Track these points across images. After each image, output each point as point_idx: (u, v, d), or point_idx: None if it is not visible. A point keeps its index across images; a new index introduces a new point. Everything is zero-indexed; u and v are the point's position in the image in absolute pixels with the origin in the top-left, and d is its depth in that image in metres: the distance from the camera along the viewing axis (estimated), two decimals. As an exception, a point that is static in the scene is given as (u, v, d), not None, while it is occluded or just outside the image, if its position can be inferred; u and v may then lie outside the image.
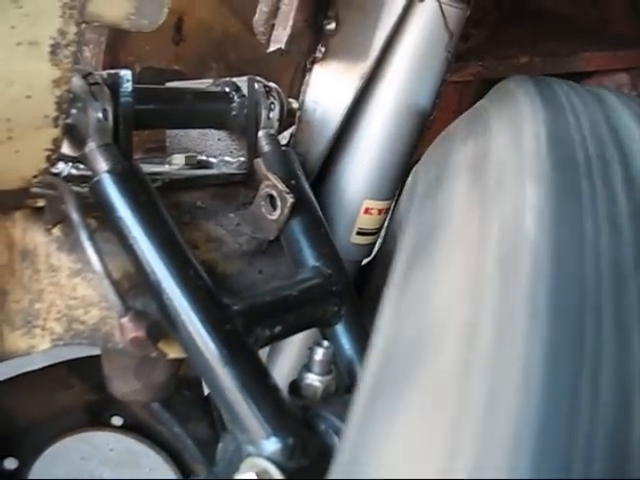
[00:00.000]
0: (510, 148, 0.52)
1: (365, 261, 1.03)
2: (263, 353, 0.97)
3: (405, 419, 0.40)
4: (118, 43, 1.20)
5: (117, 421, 1.07)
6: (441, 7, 0.83)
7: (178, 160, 0.86)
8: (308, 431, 0.66)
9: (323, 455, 0.64)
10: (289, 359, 0.97)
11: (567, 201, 0.45)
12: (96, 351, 0.87)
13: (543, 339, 0.37)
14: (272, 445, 0.63)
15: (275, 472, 0.61)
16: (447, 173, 0.60)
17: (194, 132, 0.91)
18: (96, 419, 1.06)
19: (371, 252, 0.99)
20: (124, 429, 1.08)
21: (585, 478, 0.32)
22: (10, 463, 0.95)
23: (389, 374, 0.45)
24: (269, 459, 0.62)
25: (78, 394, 1.03)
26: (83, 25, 0.59)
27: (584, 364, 0.36)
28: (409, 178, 0.85)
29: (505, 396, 0.35)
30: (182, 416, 1.05)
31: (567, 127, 0.52)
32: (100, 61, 1.18)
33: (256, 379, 0.65)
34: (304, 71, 0.92)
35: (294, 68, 1.29)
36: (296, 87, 0.99)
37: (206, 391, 1.07)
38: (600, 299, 0.40)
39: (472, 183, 0.54)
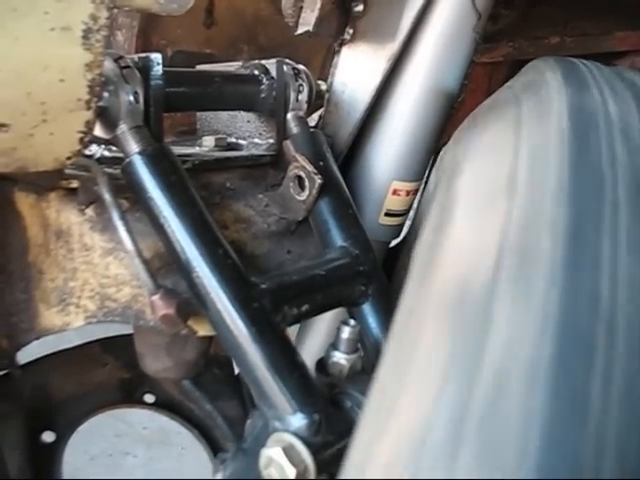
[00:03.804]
0: (537, 135, 0.52)
1: (394, 242, 1.04)
2: (292, 332, 0.98)
3: (407, 413, 0.40)
4: (150, 27, 1.21)
5: (149, 398, 1.10)
6: (469, -12, 0.82)
7: (208, 142, 0.88)
8: (334, 408, 0.67)
9: (348, 431, 0.65)
10: (318, 338, 0.98)
11: (588, 186, 0.46)
12: (129, 330, 0.90)
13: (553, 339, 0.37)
14: (298, 421, 0.64)
15: (301, 447, 0.62)
16: (471, 158, 0.60)
17: (224, 114, 0.92)
18: (129, 396, 1.09)
19: (399, 233, 1.00)
20: (156, 406, 1.11)
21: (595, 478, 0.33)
22: (48, 436, 0.98)
23: (399, 363, 0.45)
24: (295, 434, 0.63)
25: (112, 371, 1.06)
26: (114, 10, 0.60)
27: (594, 363, 0.36)
28: (437, 160, 0.85)
29: (512, 388, 0.36)
30: (212, 394, 1.07)
31: (594, 115, 0.52)
32: (133, 45, 1.19)
33: (283, 356, 0.66)
34: (333, 53, 0.92)
35: (325, 50, 1.30)
36: (327, 68, 1.00)
37: (236, 370, 1.09)
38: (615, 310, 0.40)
39: (495, 169, 0.54)
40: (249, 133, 0.90)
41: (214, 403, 1.07)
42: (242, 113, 0.90)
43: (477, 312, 0.40)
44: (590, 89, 0.55)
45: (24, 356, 0.84)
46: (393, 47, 0.84)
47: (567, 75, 0.58)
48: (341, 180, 0.84)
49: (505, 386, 0.35)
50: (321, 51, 1.33)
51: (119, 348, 1.04)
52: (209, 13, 1.27)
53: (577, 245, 0.40)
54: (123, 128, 0.69)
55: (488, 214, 0.48)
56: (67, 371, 1.01)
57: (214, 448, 1.11)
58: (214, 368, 1.07)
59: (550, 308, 0.37)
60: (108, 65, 0.67)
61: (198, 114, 0.95)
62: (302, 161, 0.79)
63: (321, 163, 0.82)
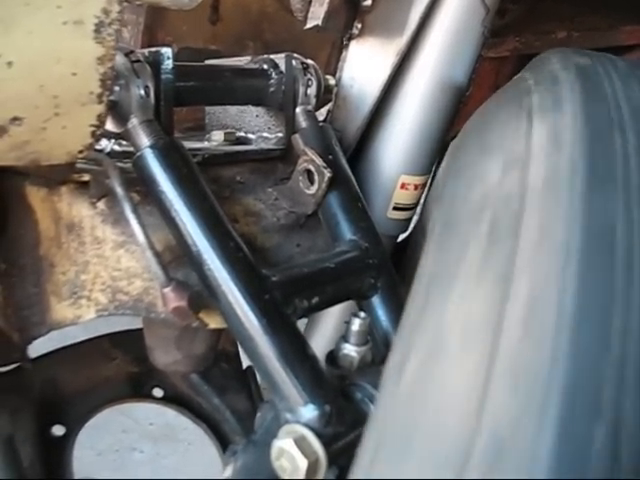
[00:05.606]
0: (549, 138, 0.52)
1: (402, 236, 1.04)
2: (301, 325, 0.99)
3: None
4: (156, 23, 1.21)
5: (158, 393, 1.10)
6: (477, -18, 0.82)
7: (217, 136, 0.88)
8: (344, 399, 0.68)
9: (359, 422, 0.66)
10: (326, 331, 0.99)
11: (601, 181, 0.46)
12: (137, 325, 0.90)
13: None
14: (309, 412, 0.64)
15: (312, 438, 0.63)
16: (482, 152, 0.60)
17: (233, 109, 0.92)
18: (138, 390, 1.09)
19: (407, 227, 1.00)
20: (164, 400, 1.11)
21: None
22: (58, 430, 0.99)
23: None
24: (306, 426, 0.63)
25: (120, 366, 1.06)
26: (124, 4, 0.60)
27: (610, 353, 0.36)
28: (446, 154, 0.85)
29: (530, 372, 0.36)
30: (221, 388, 1.07)
31: (606, 110, 0.52)
32: (139, 41, 1.20)
33: (294, 348, 0.67)
34: (341, 48, 0.92)
35: (330, 46, 1.30)
36: (332, 65, 1.00)
37: (244, 364, 1.09)
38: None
39: (508, 164, 0.54)
40: (258, 127, 0.90)
41: (222, 397, 1.07)
42: (251, 107, 0.90)
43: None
44: (602, 81, 0.55)
45: (34, 350, 0.85)
46: (401, 41, 0.84)
47: (578, 68, 0.58)
48: (350, 174, 0.85)
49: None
50: (327, 47, 1.33)
51: (128, 343, 1.04)
52: (215, 9, 1.27)
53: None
54: (134, 122, 0.69)
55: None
56: (76, 365, 1.02)
57: (222, 442, 1.11)
58: (222, 362, 1.07)
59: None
60: (119, 59, 0.68)
61: (207, 109, 0.95)
62: (311, 155, 0.80)
63: (330, 157, 0.82)
